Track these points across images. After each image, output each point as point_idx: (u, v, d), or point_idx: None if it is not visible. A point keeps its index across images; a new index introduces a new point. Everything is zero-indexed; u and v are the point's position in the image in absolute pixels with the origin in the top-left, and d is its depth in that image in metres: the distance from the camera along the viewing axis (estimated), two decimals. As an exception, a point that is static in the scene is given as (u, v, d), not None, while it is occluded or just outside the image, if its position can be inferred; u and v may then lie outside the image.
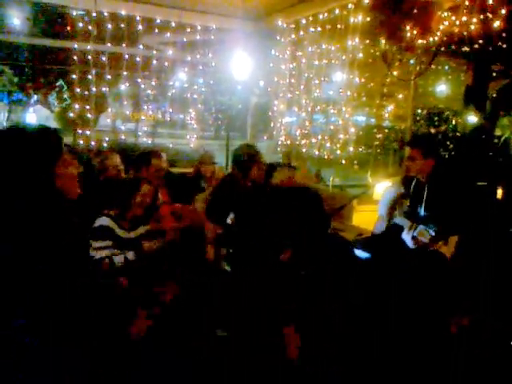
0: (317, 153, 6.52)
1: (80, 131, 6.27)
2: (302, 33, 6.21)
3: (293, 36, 6.39)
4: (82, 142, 6.26)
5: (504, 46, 6.40)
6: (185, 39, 6.76)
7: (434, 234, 3.59)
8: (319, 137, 6.58)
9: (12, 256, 1.88)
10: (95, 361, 2.18)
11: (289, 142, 6.85)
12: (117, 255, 3.34)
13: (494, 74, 8.45)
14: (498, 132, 10.95)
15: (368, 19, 5.47)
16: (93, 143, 6.20)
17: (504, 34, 5.60)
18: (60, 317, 1.97)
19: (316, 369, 2.63)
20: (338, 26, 5.67)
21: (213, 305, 3.10)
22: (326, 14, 5.73)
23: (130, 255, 3.38)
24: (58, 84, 11.27)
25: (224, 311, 3.02)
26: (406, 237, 3.79)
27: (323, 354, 2.72)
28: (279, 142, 7.02)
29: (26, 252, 1.90)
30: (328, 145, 6.34)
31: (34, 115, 14.59)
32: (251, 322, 2.83)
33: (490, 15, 4.46)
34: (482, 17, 4.47)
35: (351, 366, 2.74)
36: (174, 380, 2.66)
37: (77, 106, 6.29)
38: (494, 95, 9.55)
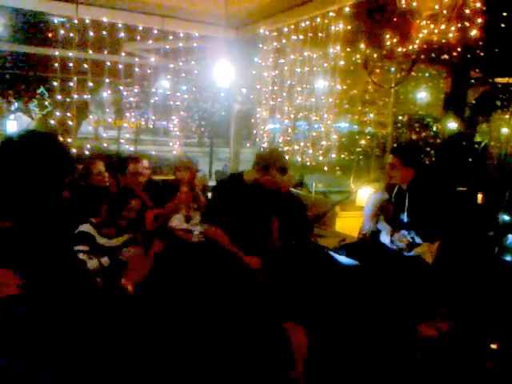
0: (299, 159, 6.55)
1: (61, 138, 6.21)
2: (284, 40, 6.24)
3: (275, 44, 6.42)
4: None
5: (481, 54, 6.55)
6: (167, 46, 6.75)
7: (417, 240, 3.62)
8: (302, 143, 6.61)
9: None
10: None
11: (272, 149, 6.85)
12: (92, 259, 3.31)
13: (473, 81, 8.61)
14: (477, 138, 11.15)
15: (349, 27, 5.54)
16: (74, 150, 6.14)
17: (481, 43, 5.73)
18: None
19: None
20: (320, 34, 5.73)
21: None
22: (307, 22, 5.78)
23: (104, 260, 3.36)
24: (39, 91, 11.16)
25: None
26: (385, 240, 3.83)
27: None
28: (262, 149, 7.03)
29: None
30: (310, 151, 6.37)
31: (15, 122, 14.44)
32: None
33: (467, 24, 4.56)
34: (459, 25, 4.56)
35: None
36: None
37: (58, 114, 6.24)
38: (474, 101, 9.73)
